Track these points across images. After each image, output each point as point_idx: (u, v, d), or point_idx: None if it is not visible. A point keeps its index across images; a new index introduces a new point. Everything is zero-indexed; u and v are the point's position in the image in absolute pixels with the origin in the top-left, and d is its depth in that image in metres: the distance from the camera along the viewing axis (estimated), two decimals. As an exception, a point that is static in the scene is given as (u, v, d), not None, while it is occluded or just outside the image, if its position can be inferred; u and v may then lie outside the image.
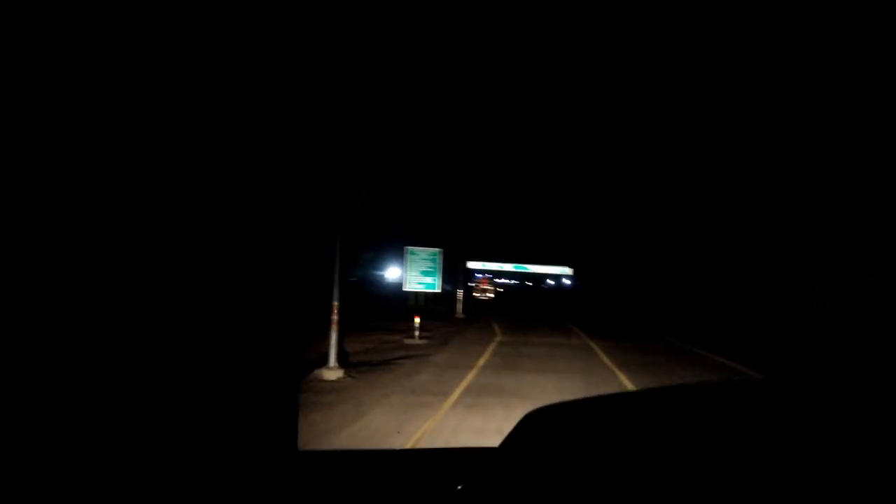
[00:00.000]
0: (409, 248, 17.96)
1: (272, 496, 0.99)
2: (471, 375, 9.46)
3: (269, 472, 1.07)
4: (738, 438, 0.74)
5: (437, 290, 18.86)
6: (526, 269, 54.50)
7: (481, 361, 11.37)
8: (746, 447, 0.72)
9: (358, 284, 26.44)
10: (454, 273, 28.70)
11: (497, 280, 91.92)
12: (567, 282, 64.70)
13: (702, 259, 36.69)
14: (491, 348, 13.63)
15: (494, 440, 1.04)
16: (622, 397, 1.38)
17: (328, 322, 8.75)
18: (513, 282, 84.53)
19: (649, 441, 0.76)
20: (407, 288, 18.57)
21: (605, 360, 11.99)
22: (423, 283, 18.45)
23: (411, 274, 18.15)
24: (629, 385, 9.03)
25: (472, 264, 55.00)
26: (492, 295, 39.98)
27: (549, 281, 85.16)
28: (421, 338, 14.35)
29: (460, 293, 25.38)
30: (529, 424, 0.84)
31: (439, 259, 18.21)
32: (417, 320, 14.49)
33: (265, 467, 1.11)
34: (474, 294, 38.32)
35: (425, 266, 18.20)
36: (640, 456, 0.73)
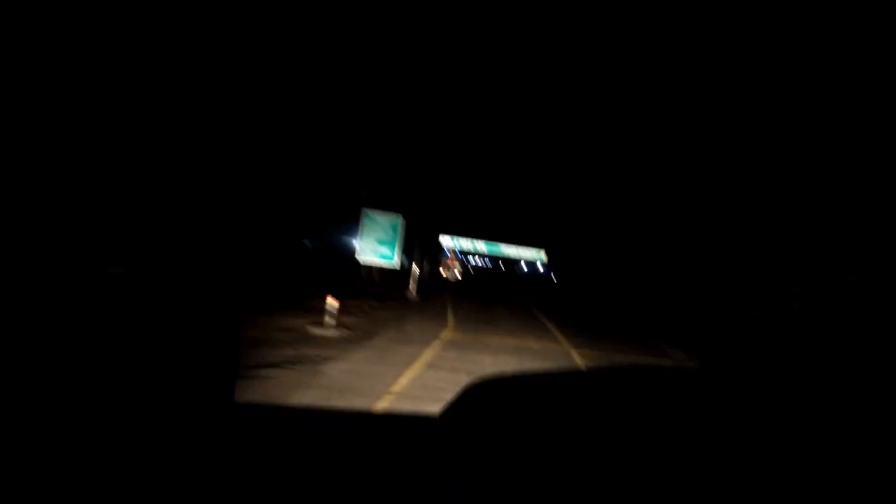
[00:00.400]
0: (367, 210, 15.77)
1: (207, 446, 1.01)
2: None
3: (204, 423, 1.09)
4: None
5: (395, 263, 16.44)
6: (499, 248, 52.36)
7: (404, 380, 7.32)
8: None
9: (310, 252, 23.30)
10: (414, 244, 26.00)
11: (471, 261, 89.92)
12: (541, 268, 62.96)
13: (681, 252, 35.78)
14: (430, 353, 9.40)
15: None
16: (563, 375, 1.66)
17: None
18: (485, 264, 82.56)
19: (577, 412, 0.83)
20: (361, 258, 16.24)
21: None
22: (380, 254, 16.21)
23: (366, 243, 15.90)
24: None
25: (442, 239, 52.72)
26: (459, 275, 36.07)
27: (523, 265, 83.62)
28: (339, 326, 10.60)
29: (416, 270, 20.84)
30: (470, 394, 0.88)
31: (400, 228, 16.14)
32: (331, 302, 10.42)
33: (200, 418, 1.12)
34: (442, 273, 35.08)
35: (384, 235, 16.12)
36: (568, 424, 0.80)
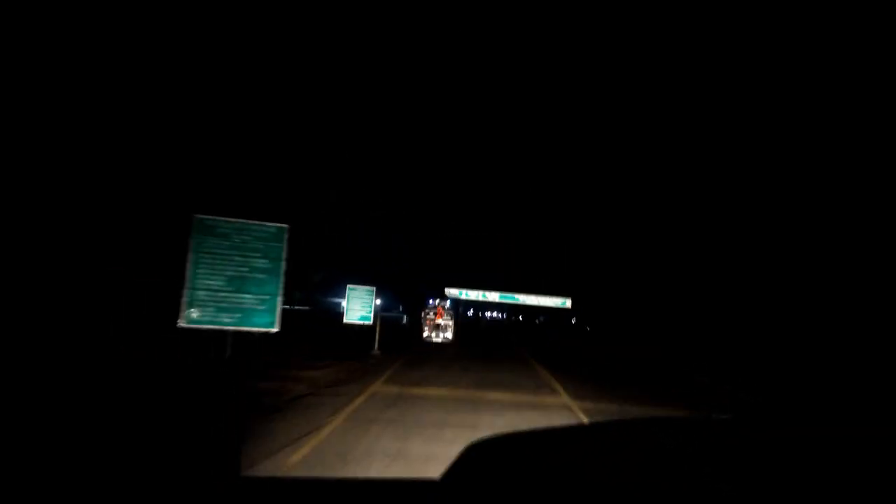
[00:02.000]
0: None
1: None
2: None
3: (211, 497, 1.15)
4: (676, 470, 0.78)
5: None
6: (515, 299, 45.30)
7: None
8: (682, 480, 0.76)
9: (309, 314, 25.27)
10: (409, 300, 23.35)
11: (485, 314, 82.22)
12: (569, 318, 55.33)
13: (728, 291, 29.73)
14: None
15: None
16: (565, 431, 1.44)
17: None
18: (499, 315, 74.57)
19: (588, 471, 0.79)
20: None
21: None
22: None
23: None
24: None
25: (449, 292, 45.69)
26: (450, 335, 25.25)
27: (541, 317, 75.56)
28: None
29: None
30: (471, 456, 0.82)
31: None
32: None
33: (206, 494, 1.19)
34: (425, 333, 25.65)
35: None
36: (580, 485, 0.75)
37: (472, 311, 76.47)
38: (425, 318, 25.40)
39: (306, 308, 33.37)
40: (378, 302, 18.54)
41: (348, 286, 19.24)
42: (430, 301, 25.27)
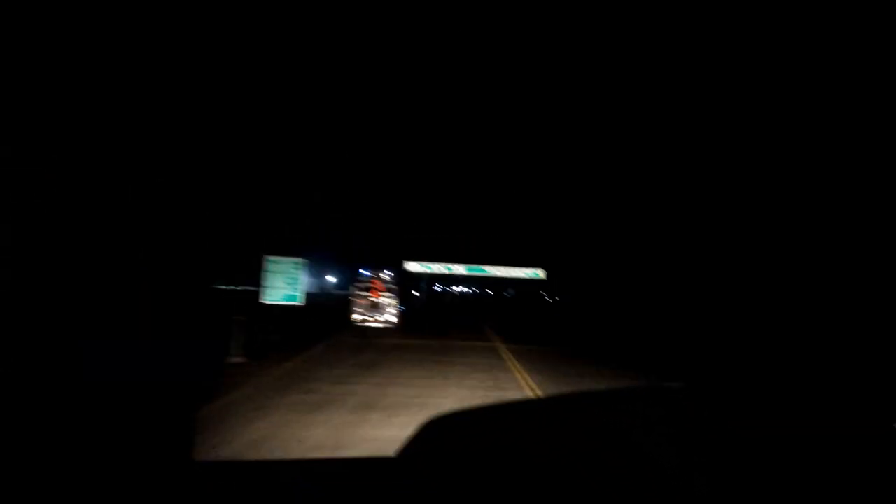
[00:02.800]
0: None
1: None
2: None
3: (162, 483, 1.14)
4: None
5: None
6: (483, 271, 41.62)
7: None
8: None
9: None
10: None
11: (454, 288, 78.32)
12: (539, 290, 52.03)
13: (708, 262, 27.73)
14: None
15: None
16: (518, 406, 2.04)
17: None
18: (469, 290, 71.05)
19: (541, 445, 0.90)
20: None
21: None
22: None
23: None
24: None
25: (410, 266, 41.60)
26: (392, 316, 19.10)
27: (509, 290, 72.36)
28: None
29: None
30: (423, 435, 0.91)
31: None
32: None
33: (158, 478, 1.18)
34: (354, 315, 19.30)
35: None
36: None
37: (440, 287, 72.65)
38: (356, 295, 18.93)
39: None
40: (333, 280, 15.29)
41: (267, 258, 15.30)
42: (363, 272, 19.31)
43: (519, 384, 9.19)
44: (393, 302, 18.74)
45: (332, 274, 43.98)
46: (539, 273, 40.93)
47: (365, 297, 18.86)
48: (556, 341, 18.45)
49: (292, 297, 15.08)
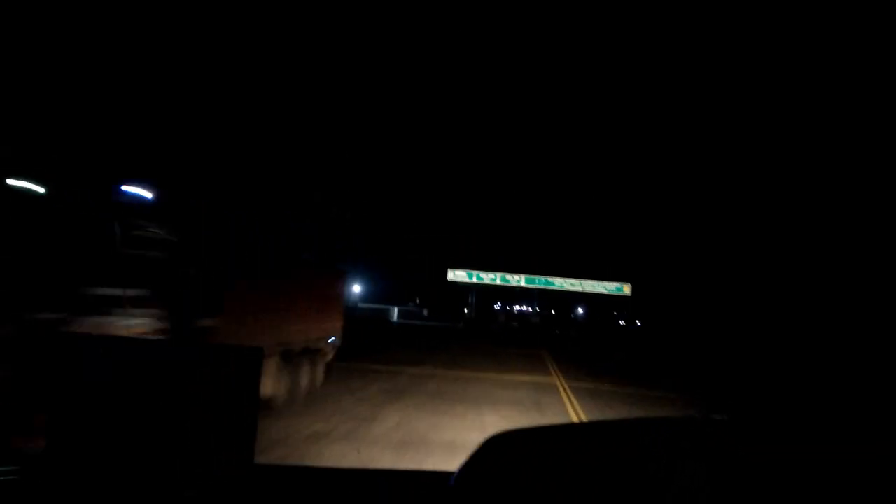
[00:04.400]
0: None
1: None
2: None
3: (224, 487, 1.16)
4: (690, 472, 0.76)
5: None
6: (550, 283, 31.89)
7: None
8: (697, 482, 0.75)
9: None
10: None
11: (513, 307, 67.54)
12: (616, 310, 41.48)
13: None
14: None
15: None
16: (587, 426, 1.33)
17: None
18: (529, 309, 60.38)
19: (609, 470, 0.77)
20: None
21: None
22: None
23: None
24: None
25: (456, 274, 32.60)
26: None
27: (578, 308, 61.34)
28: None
29: None
30: (489, 451, 0.81)
31: None
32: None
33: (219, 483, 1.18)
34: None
35: None
36: (602, 485, 0.75)
37: (498, 303, 62.68)
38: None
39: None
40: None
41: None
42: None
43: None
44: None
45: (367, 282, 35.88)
46: (624, 288, 30.85)
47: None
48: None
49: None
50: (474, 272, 31.52)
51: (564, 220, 40.95)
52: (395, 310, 36.85)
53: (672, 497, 0.71)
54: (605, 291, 31.63)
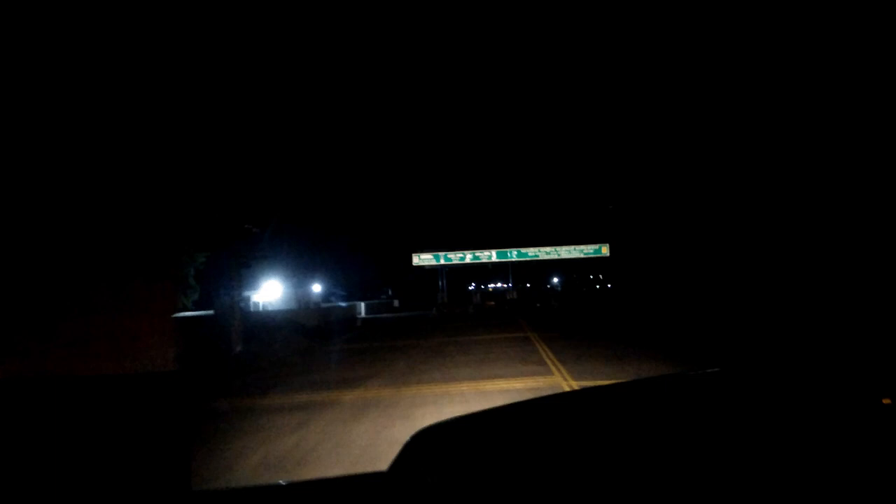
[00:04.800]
0: None
1: None
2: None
3: None
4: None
5: None
6: (524, 255, 29.78)
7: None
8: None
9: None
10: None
11: (488, 286, 65.80)
12: (586, 276, 39.87)
13: None
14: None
15: None
16: (512, 409, 1.15)
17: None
18: (505, 286, 58.67)
19: (538, 448, 0.77)
20: None
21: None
22: None
23: None
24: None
25: (421, 258, 30.15)
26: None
27: (554, 279, 59.94)
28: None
29: None
30: (415, 446, 0.83)
31: None
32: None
33: None
34: None
35: None
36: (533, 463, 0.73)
37: (472, 284, 60.30)
38: None
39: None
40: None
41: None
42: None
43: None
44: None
45: (319, 281, 32.96)
46: (602, 249, 28.95)
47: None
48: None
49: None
50: (441, 253, 29.11)
51: (530, 184, 38.79)
52: (362, 305, 34.20)
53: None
54: (582, 255, 29.71)
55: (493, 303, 26.25)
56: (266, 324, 16.12)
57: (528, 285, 55.60)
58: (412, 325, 20.09)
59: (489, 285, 61.45)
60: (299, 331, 14.78)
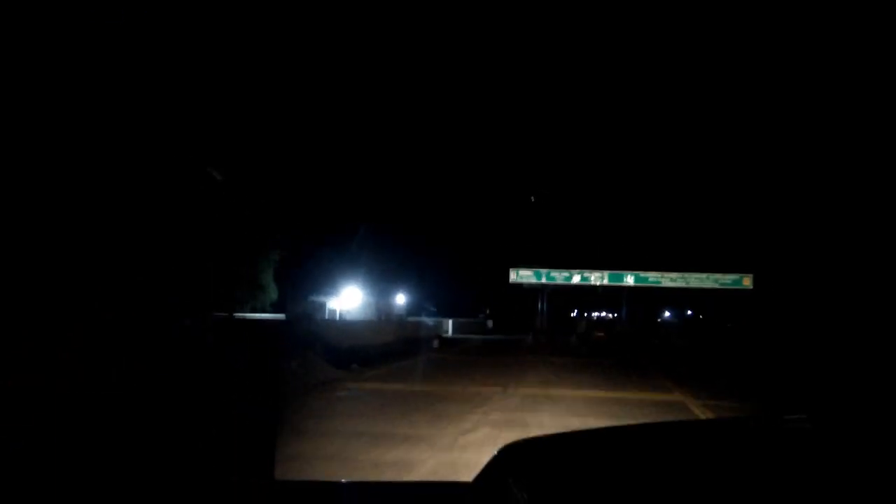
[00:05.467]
0: None
1: None
2: None
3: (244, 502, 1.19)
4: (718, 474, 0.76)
5: None
6: (644, 280, 24.67)
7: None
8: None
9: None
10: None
11: (591, 315, 58.42)
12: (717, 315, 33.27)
13: None
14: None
15: None
16: (604, 432, 1.19)
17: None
18: (609, 315, 52.00)
19: (628, 477, 0.77)
20: None
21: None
22: None
23: None
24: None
25: (520, 275, 26.21)
26: None
27: (665, 314, 52.33)
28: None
29: None
30: (504, 460, 0.82)
31: None
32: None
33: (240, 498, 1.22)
34: None
35: None
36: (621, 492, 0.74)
37: (575, 311, 54.28)
38: None
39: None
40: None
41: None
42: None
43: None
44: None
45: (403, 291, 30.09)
46: (744, 280, 23.18)
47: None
48: None
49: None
50: (543, 271, 25.05)
51: (652, 200, 33.88)
52: (450, 322, 30.93)
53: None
54: (716, 286, 24.10)
55: (602, 334, 21.95)
56: (321, 334, 13.39)
57: (641, 317, 48.85)
58: (497, 354, 16.35)
59: (593, 313, 55.24)
60: (334, 352, 11.35)
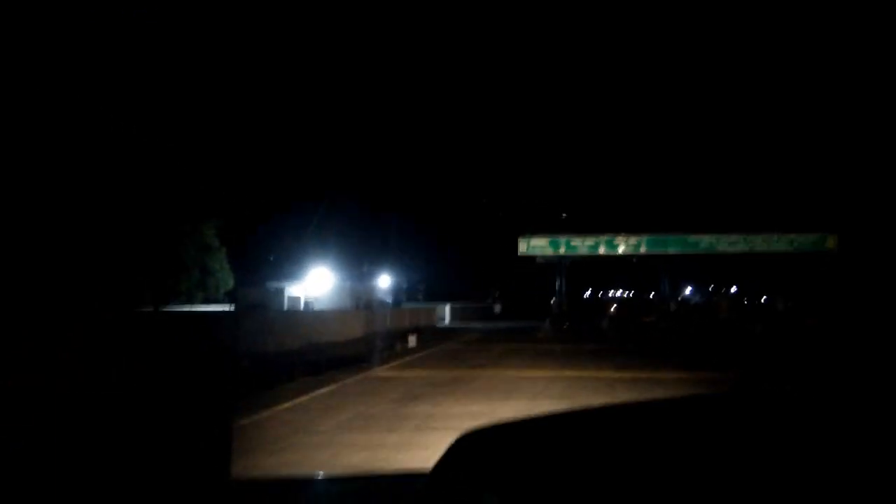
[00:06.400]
0: None
1: None
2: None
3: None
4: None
5: None
6: (695, 244, 18.91)
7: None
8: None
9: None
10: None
11: (607, 294, 50.77)
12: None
13: None
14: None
15: None
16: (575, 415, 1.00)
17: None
18: (647, 295, 45.21)
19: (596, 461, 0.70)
20: None
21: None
22: None
23: None
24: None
25: (532, 244, 20.70)
26: None
27: (728, 290, 45.02)
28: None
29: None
30: (460, 448, 0.76)
31: None
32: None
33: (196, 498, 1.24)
34: None
35: None
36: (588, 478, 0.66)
37: (600, 290, 47.13)
38: None
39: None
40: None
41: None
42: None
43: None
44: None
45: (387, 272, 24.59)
46: (829, 242, 17.46)
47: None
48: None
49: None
50: (561, 238, 19.40)
51: (699, 142, 28.59)
52: (447, 308, 25.62)
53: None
54: (790, 249, 18.39)
55: (653, 318, 16.51)
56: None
57: (692, 295, 42.19)
58: (502, 359, 10.92)
59: (623, 292, 47.89)
60: (270, 360, 6.97)
